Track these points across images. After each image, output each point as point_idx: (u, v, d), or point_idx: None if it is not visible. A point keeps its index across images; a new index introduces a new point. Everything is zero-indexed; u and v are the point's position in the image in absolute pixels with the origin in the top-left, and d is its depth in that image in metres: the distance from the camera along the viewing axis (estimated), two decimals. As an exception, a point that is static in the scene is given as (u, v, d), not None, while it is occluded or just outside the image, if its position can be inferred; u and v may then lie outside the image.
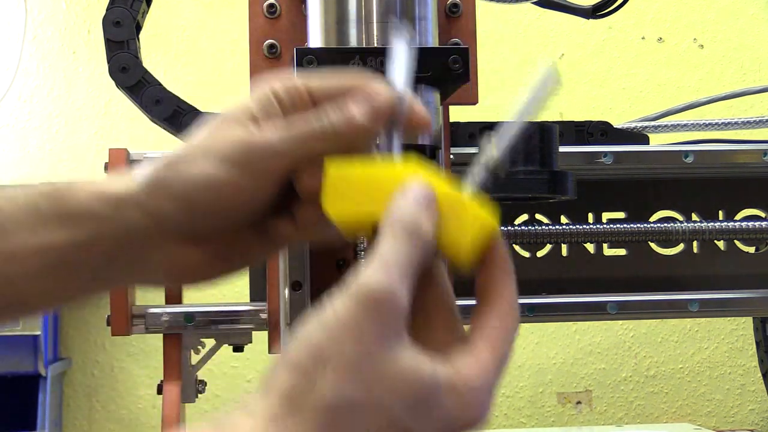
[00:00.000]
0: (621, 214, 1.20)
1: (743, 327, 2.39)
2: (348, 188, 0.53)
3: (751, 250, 1.22)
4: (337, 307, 0.46)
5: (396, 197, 0.50)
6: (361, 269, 0.46)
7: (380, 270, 0.46)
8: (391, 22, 0.67)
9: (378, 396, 0.45)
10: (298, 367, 0.45)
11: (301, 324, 0.47)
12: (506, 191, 0.81)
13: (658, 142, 1.25)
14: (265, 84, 0.59)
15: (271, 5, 0.85)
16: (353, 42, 0.75)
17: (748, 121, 1.27)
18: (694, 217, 1.19)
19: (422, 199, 0.51)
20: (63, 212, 0.58)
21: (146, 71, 1.10)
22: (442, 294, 0.52)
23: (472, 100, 0.86)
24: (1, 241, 0.57)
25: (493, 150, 0.56)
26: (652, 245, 1.19)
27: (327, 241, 0.62)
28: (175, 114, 1.11)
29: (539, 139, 0.82)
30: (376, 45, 0.75)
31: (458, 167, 1.00)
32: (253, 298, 1.15)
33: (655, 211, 1.20)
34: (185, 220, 0.57)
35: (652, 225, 1.12)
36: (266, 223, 0.60)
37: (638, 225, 1.12)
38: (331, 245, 0.70)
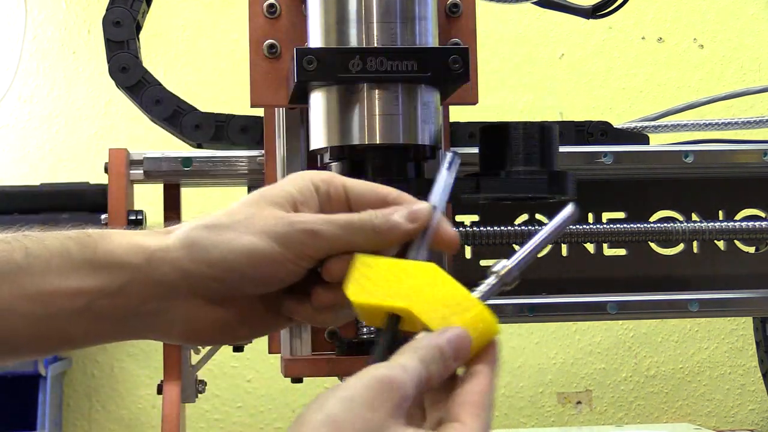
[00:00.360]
0: (621, 214, 1.20)
1: (743, 327, 2.39)
2: (370, 278, 0.59)
3: (751, 250, 1.22)
4: (351, 384, 0.51)
5: (431, 333, 0.57)
6: (382, 366, 0.53)
7: (398, 368, 0.52)
8: (442, 153, 0.69)
9: None
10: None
11: (318, 397, 0.51)
12: (506, 191, 0.81)
13: (658, 142, 1.25)
14: (306, 175, 0.64)
15: (271, 5, 0.85)
16: (353, 42, 0.75)
17: (748, 121, 1.27)
18: (694, 217, 1.19)
19: (446, 344, 0.56)
20: (95, 260, 0.60)
21: (146, 71, 1.10)
22: (471, 382, 0.59)
23: (472, 100, 0.86)
24: (28, 282, 0.58)
25: (507, 264, 0.63)
26: (652, 245, 1.19)
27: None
28: (175, 114, 1.11)
29: (539, 139, 0.82)
30: (376, 45, 0.75)
31: (458, 167, 1.00)
32: (253, 298, 1.14)
33: (655, 211, 1.20)
34: (217, 283, 0.60)
35: (652, 225, 1.12)
36: (277, 301, 0.64)
37: (638, 225, 1.12)
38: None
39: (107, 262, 0.60)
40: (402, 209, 0.62)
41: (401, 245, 0.62)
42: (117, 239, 0.61)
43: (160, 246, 0.61)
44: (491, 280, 0.64)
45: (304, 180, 0.63)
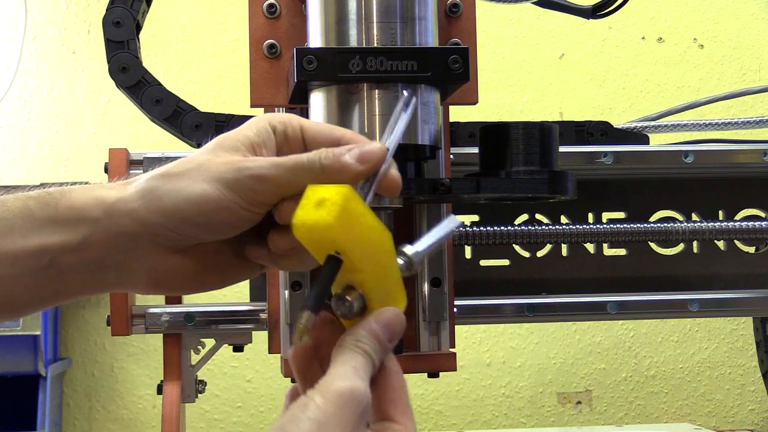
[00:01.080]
0: (621, 214, 1.20)
1: (743, 327, 2.39)
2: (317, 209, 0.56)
3: (751, 250, 1.22)
4: (321, 407, 0.53)
5: (369, 319, 0.58)
6: (335, 373, 0.55)
7: (354, 375, 0.55)
8: (400, 90, 0.68)
9: None
10: None
11: (288, 418, 0.53)
12: (506, 191, 0.81)
13: (658, 142, 1.25)
14: (264, 117, 0.64)
15: (271, 5, 0.85)
16: (353, 42, 0.75)
17: (748, 121, 1.27)
18: (694, 217, 1.19)
19: (381, 329, 0.58)
20: (57, 216, 0.61)
21: (146, 71, 1.10)
22: (391, 378, 0.59)
23: (472, 100, 0.86)
24: None
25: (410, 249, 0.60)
26: (652, 245, 1.19)
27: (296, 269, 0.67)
28: (175, 114, 1.11)
29: (539, 139, 0.82)
30: (376, 45, 0.75)
31: (458, 167, 1.00)
32: (253, 298, 1.15)
33: (655, 211, 1.20)
34: (174, 231, 0.61)
35: (652, 225, 1.12)
36: (243, 246, 0.64)
37: (638, 225, 1.12)
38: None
39: (68, 218, 0.61)
40: (354, 149, 0.61)
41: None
42: (77, 194, 0.62)
43: (118, 197, 0.61)
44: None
45: (261, 122, 0.64)
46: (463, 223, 1.11)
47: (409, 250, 0.60)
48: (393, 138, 0.63)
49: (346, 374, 0.55)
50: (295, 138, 0.64)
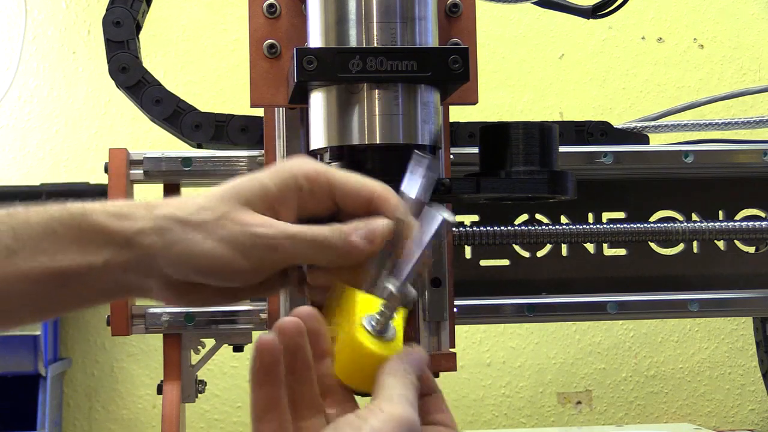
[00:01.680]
0: (621, 214, 1.20)
1: (743, 327, 2.39)
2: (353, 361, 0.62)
3: (751, 250, 1.22)
4: (374, 427, 0.56)
5: (412, 353, 0.61)
6: (392, 396, 0.58)
7: (407, 403, 0.57)
8: (414, 153, 0.68)
9: None
10: None
11: None
12: (506, 191, 0.81)
13: (658, 142, 1.25)
14: (292, 168, 0.65)
15: (271, 5, 0.85)
16: (353, 42, 0.75)
17: (748, 121, 1.27)
18: (694, 217, 1.19)
19: (411, 365, 0.61)
20: (81, 238, 0.64)
21: (146, 71, 1.10)
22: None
23: (472, 100, 0.86)
24: (20, 263, 0.63)
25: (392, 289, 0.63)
26: (652, 245, 1.19)
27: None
28: (175, 114, 1.11)
29: (539, 139, 0.81)
30: (376, 45, 0.75)
31: (458, 167, 1.00)
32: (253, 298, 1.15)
33: (655, 211, 1.20)
34: (182, 275, 0.64)
35: (652, 225, 1.12)
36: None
37: (638, 225, 1.12)
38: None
39: (91, 240, 0.64)
40: (361, 229, 0.63)
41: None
42: (99, 216, 0.65)
43: (140, 229, 0.64)
44: (384, 312, 0.62)
45: (286, 174, 0.65)
46: (462, 223, 1.11)
47: (391, 287, 0.62)
48: (408, 207, 0.64)
49: (401, 403, 0.57)
50: (323, 194, 0.65)
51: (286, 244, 0.62)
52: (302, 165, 0.65)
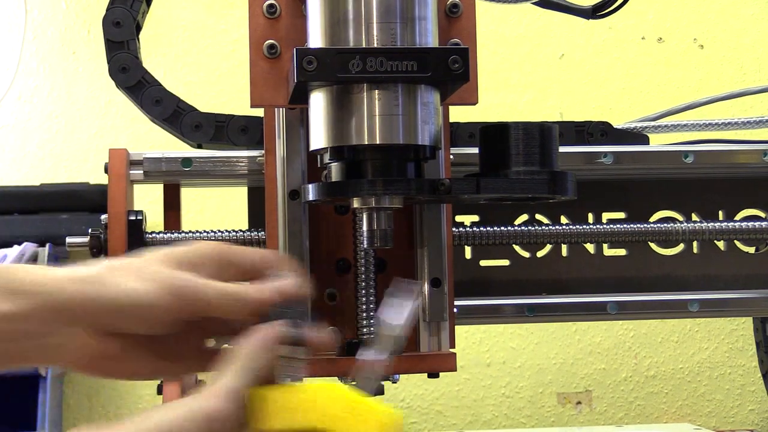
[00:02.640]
0: (621, 214, 1.20)
1: (743, 327, 2.39)
2: (284, 406, 0.64)
3: (751, 250, 1.22)
4: (184, 417, 0.60)
5: (252, 341, 0.65)
6: (208, 391, 0.62)
7: (222, 396, 0.62)
8: (403, 282, 0.69)
9: None
10: None
11: (148, 416, 0.61)
12: (506, 191, 0.81)
13: (658, 142, 1.25)
14: (204, 243, 0.72)
15: (271, 5, 0.85)
16: (353, 42, 0.75)
17: (748, 121, 1.27)
18: (694, 217, 1.19)
19: (260, 340, 0.65)
20: (6, 288, 0.65)
21: (146, 71, 1.10)
22: None
23: (472, 100, 0.86)
24: None
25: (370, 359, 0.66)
26: (652, 245, 1.19)
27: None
28: (175, 114, 1.11)
29: (539, 139, 0.81)
30: (376, 45, 0.75)
31: (458, 167, 1.00)
32: (253, 298, 1.14)
33: (655, 211, 1.20)
34: (104, 314, 0.66)
35: (652, 225, 1.12)
36: (169, 348, 0.71)
37: (638, 225, 1.12)
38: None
39: (13, 289, 0.65)
40: (259, 290, 0.69)
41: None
42: (27, 271, 0.67)
43: (61, 278, 0.67)
44: (369, 375, 0.66)
45: (202, 247, 0.71)
46: (462, 223, 1.11)
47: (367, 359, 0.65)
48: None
49: (218, 395, 0.62)
50: (228, 262, 0.71)
51: (210, 293, 0.68)
52: (208, 243, 0.72)
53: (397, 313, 0.66)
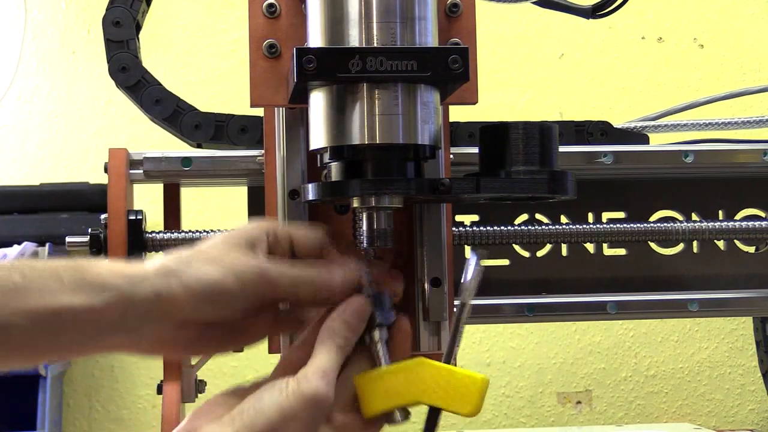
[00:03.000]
0: (621, 214, 1.20)
1: (743, 327, 2.39)
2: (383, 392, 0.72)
3: (751, 250, 1.22)
4: (288, 401, 0.67)
5: (332, 315, 0.72)
6: (308, 373, 0.68)
7: (321, 379, 0.68)
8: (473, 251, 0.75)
9: None
10: None
11: (260, 398, 0.68)
12: (506, 191, 0.81)
13: (658, 142, 1.25)
14: (259, 222, 0.77)
15: (271, 5, 0.85)
16: (353, 42, 0.75)
17: (748, 121, 1.27)
18: (694, 217, 1.19)
19: (350, 317, 0.72)
20: (84, 282, 0.69)
21: (146, 71, 1.10)
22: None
23: (472, 100, 0.86)
24: (26, 300, 0.67)
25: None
26: (652, 245, 1.19)
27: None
28: (175, 114, 1.11)
29: (539, 139, 0.81)
30: (375, 45, 0.75)
31: (458, 167, 1.00)
32: (253, 298, 1.14)
33: (655, 211, 1.20)
34: (184, 305, 0.70)
35: (652, 225, 1.12)
36: (240, 325, 0.76)
37: (638, 225, 1.12)
38: None
39: (93, 283, 0.69)
40: (339, 271, 0.74)
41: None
42: (102, 266, 0.71)
43: (139, 273, 0.70)
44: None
45: (257, 226, 0.76)
46: (462, 223, 1.11)
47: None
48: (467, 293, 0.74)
49: (316, 378, 0.68)
50: (285, 240, 0.76)
51: (273, 270, 0.72)
52: (260, 222, 0.78)
53: (464, 280, 0.73)
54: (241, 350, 1.12)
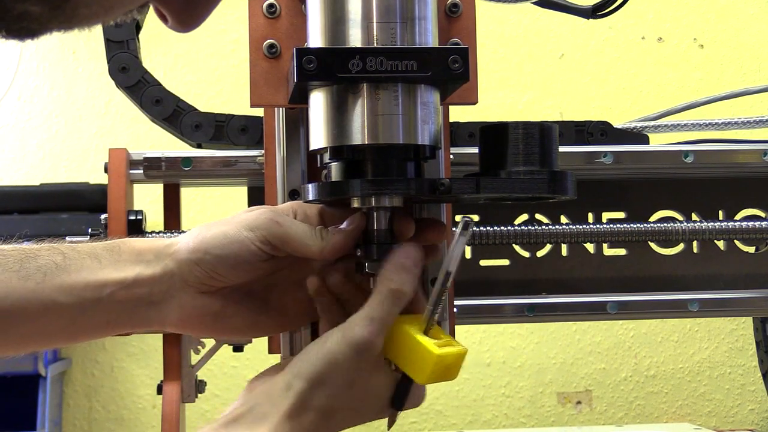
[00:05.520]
0: (621, 214, 1.20)
1: (743, 327, 2.39)
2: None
3: (751, 250, 1.22)
4: (334, 348, 0.69)
5: (386, 265, 0.72)
6: (354, 320, 0.69)
7: (368, 326, 0.69)
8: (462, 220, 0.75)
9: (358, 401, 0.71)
10: (309, 381, 0.68)
11: (309, 348, 0.70)
12: (506, 191, 0.81)
13: (658, 142, 1.25)
14: (289, 203, 0.80)
15: (271, 5, 0.85)
16: (353, 42, 0.75)
17: (748, 121, 1.27)
18: (694, 217, 1.19)
19: (406, 266, 0.72)
20: (119, 259, 0.74)
21: (146, 71, 1.10)
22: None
23: (472, 100, 0.86)
24: (66, 278, 0.72)
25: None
26: (652, 245, 1.19)
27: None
28: (175, 114, 1.11)
29: (539, 139, 0.81)
30: (376, 45, 0.75)
31: (458, 167, 1.00)
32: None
33: (655, 211, 1.20)
34: (200, 267, 0.73)
35: (652, 225, 1.12)
36: (264, 303, 0.78)
37: (638, 225, 1.12)
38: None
39: (127, 260, 0.74)
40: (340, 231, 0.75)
41: None
42: (138, 242, 0.76)
43: (169, 243, 0.75)
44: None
45: (286, 205, 0.79)
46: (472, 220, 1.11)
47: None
48: (451, 261, 0.73)
49: (364, 324, 0.69)
50: (314, 217, 0.78)
51: (284, 219, 0.74)
52: (280, 205, 0.81)
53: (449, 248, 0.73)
54: (241, 350, 1.12)
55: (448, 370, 0.74)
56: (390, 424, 0.74)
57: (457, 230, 0.73)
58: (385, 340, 0.71)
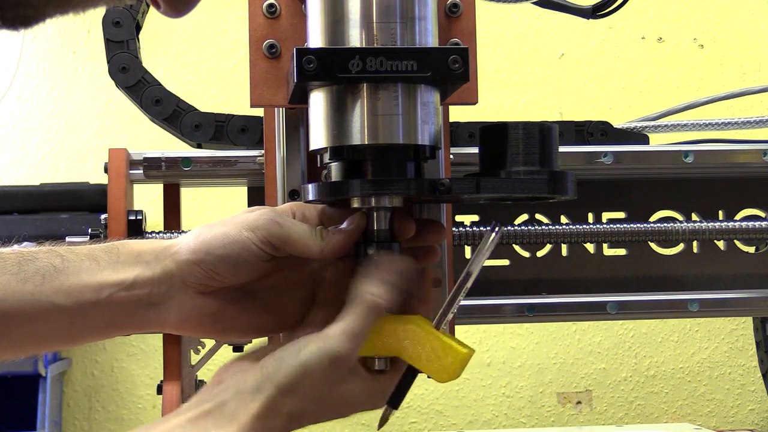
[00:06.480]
0: (621, 214, 1.20)
1: (743, 327, 2.39)
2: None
3: (751, 250, 1.22)
4: (310, 360, 0.68)
5: (367, 275, 0.72)
6: (331, 332, 0.69)
7: (345, 340, 0.69)
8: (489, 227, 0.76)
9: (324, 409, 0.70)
10: (279, 388, 0.68)
11: (283, 352, 0.69)
12: (506, 191, 0.81)
13: (658, 142, 1.25)
14: (288, 204, 0.79)
15: (271, 5, 0.85)
16: (353, 42, 0.75)
17: (748, 121, 1.27)
18: (694, 217, 1.19)
19: (387, 279, 0.71)
20: (118, 261, 0.74)
21: (146, 71, 1.11)
22: None
23: (472, 100, 0.86)
24: (64, 280, 0.72)
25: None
26: (652, 245, 1.19)
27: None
28: (174, 114, 1.11)
29: (539, 139, 0.81)
30: (376, 45, 0.75)
31: (458, 167, 1.00)
32: (253, 298, 1.14)
33: (655, 211, 1.20)
34: (200, 267, 0.73)
35: (652, 225, 1.12)
36: (262, 305, 0.77)
37: (638, 225, 1.12)
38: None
39: (126, 261, 0.74)
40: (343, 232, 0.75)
41: None
42: (137, 243, 0.75)
43: (169, 244, 0.74)
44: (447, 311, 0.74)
45: (285, 206, 0.78)
46: (462, 223, 1.11)
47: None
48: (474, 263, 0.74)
49: (338, 338, 0.68)
50: (313, 217, 0.77)
51: (284, 220, 0.74)
52: (293, 203, 0.80)
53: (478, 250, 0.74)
54: (241, 350, 1.11)
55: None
56: (382, 422, 0.74)
57: (490, 236, 0.74)
58: (384, 340, 0.71)
